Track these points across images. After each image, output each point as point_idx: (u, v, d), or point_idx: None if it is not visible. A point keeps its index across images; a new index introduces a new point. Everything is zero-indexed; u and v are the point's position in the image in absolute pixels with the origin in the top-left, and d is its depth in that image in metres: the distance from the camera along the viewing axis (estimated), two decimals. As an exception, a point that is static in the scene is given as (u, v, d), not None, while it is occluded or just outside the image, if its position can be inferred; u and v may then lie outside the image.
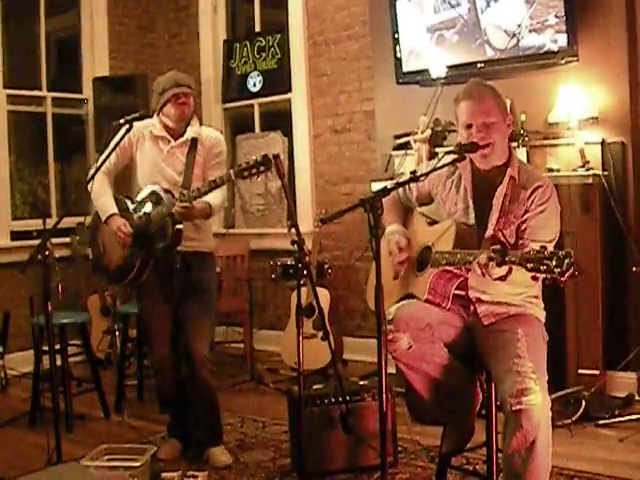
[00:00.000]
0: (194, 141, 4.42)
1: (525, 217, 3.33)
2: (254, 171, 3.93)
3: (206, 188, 4.12)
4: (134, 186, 4.59)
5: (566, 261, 2.69)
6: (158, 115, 4.42)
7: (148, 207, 4.31)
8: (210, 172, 4.38)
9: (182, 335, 4.42)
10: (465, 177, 3.51)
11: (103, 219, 4.42)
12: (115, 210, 4.38)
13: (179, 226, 4.24)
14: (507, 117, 3.43)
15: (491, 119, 3.34)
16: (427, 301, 3.41)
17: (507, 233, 3.35)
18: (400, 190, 3.76)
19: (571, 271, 2.70)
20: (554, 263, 2.71)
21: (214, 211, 4.33)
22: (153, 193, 4.31)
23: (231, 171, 4.02)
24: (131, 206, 4.45)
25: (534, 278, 2.87)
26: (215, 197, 4.25)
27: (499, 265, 2.94)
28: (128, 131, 4.15)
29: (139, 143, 4.45)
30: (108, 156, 4.29)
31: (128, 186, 4.66)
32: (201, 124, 4.58)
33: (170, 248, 4.29)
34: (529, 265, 2.79)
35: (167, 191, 4.26)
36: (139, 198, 4.41)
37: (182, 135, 4.42)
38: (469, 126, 3.37)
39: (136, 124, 4.35)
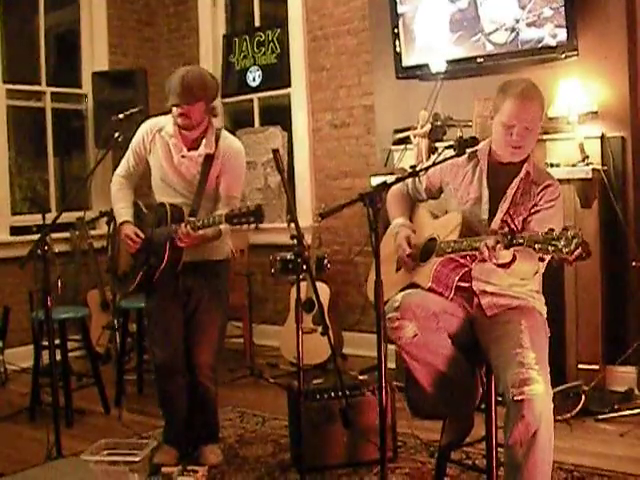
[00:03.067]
0: (209, 157, 4.23)
1: (532, 210, 3.36)
2: (243, 220, 3.76)
3: (203, 222, 3.95)
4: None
5: (574, 241, 2.71)
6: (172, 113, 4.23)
7: (153, 222, 4.22)
8: (223, 186, 4.23)
9: (189, 344, 4.35)
10: (482, 167, 3.51)
11: (117, 225, 4.34)
12: (127, 218, 4.29)
13: (166, 255, 4.11)
14: (541, 121, 3.44)
15: (533, 125, 3.34)
16: (430, 290, 3.41)
17: (516, 222, 3.37)
18: (409, 182, 3.76)
19: (579, 251, 2.71)
20: (562, 243, 2.73)
21: (223, 234, 4.19)
22: (160, 210, 4.20)
23: (223, 214, 3.84)
24: (143, 216, 4.33)
25: (541, 260, 2.88)
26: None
27: (507, 247, 2.96)
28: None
29: (152, 144, 4.31)
30: (102, 159, 4.22)
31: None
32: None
33: (166, 270, 4.18)
34: (537, 246, 2.81)
35: (175, 208, 4.16)
36: (148, 210, 4.32)
37: (196, 148, 4.23)
38: (511, 126, 3.33)
39: (152, 122, 4.33)
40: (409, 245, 3.55)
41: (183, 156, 4.25)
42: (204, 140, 4.25)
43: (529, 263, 3.19)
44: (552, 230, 2.80)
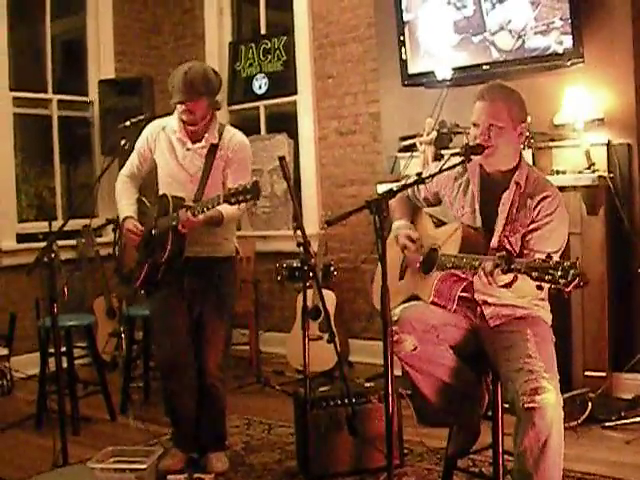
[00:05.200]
0: (213, 147, 4.29)
1: (531, 227, 3.31)
2: (241, 198, 3.80)
3: (203, 207, 3.99)
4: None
5: (571, 272, 2.68)
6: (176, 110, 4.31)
7: (157, 215, 4.28)
8: (230, 178, 4.26)
9: (197, 348, 4.37)
10: (473, 180, 3.50)
11: (120, 222, 4.42)
12: (130, 213, 4.36)
13: (169, 244, 4.15)
14: (519, 125, 3.37)
15: (498, 123, 3.32)
16: (432, 303, 3.42)
17: (513, 241, 3.34)
18: (409, 190, 3.75)
19: (576, 282, 2.68)
20: (559, 274, 2.69)
21: (225, 220, 4.20)
22: (163, 200, 4.25)
23: (221, 194, 3.88)
24: (147, 210, 4.41)
25: (539, 287, 2.85)
26: (227, 206, 4.03)
27: (504, 272, 2.94)
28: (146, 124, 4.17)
29: (156, 143, 4.38)
30: (126, 159, 4.29)
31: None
32: None
33: (170, 261, 4.20)
34: (534, 274, 2.78)
35: (178, 199, 4.19)
36: (152, 205, 4.39)
37: (200, 139, 4.30)
38: (476, 125, 3.37)
39: (155, 122, 4.40)
40: (412, 241, 3.56)
41: (188, 149, 4.32)
42: (207, 132, 4.30)
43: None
44: (550, 257, 2.77)
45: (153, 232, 4.27)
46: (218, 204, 3.92)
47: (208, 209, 3.99)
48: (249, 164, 4.42)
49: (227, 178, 4.29)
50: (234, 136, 4.38)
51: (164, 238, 4.18)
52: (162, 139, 4.37)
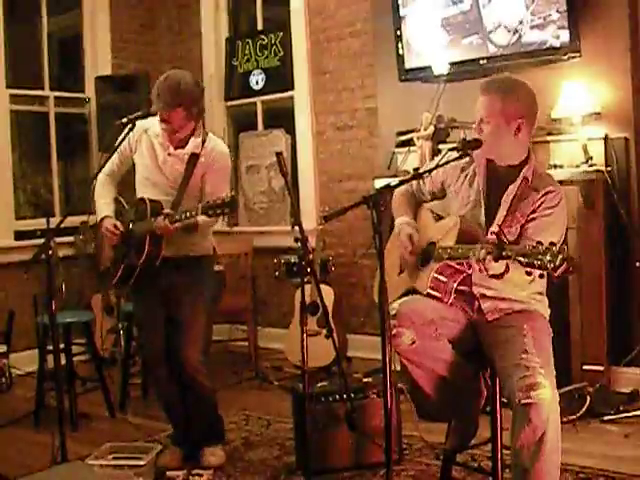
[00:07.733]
0: (194, 156, 4.29)
1: (530, 217, 3.32)
2: (219, 211, 3.85)
3: (181, 216, 4.02)
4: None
5: (559, 256, 2.69)
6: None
7: (134, 217, 4.32)
8: (208, 184, 4.28)
9: (174, 342, 4.37)
10: (479, 171, 3.50)
11: (98, 221, 4.44)
12: (108, 213, 4.39)
13: (146, 248, 4.18)
14: (514, 120, 3.34)
15: (489, 118, 3.35)
16: (429, 295, 3.42)
17: (511, 231, 3.33)
18: (414, 183, 3.76)
19: (564, 266, 2.70)
20: (548, 258, 2.71)
21: (200, 227, 4.21)
22: (140, 205, 4.28)
23: (199, 207, 3.92)
24: (124, 211, 4.44)
25: (528, 273, 2.86)
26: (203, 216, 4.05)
27: (496, 260, 2.95)
28: (131, 130, 4.17)
29: (138, 144, 4.38)
30: (110, 157, 4.33)
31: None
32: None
33: (146, 264, 4.22)
34: (524, 260, 2.79)
35: (156, 204, 4.22)
36: (129, 206, 4.42)
37: (183, 146, 4.30)
38: (476, 119, 3.42)
39: (138, 123, 4.35)
40: (411, 243, 3.56)
41: (169, 154, 4.31)
42: (191, 140, 4.31)
43: (523, 272, 3.15)
44: (540, 244, 2.78)
45: (130, 234, 4.30)
46: (196, 215, 3.97)
47: (186, 218, 4.03)
48: (228, 173, 4.47)
49: (206, 184, 4.30)
50: (216, 146, 4.40)
51: (141, 242, 4.19)
52: (144, 141, 4.38)
